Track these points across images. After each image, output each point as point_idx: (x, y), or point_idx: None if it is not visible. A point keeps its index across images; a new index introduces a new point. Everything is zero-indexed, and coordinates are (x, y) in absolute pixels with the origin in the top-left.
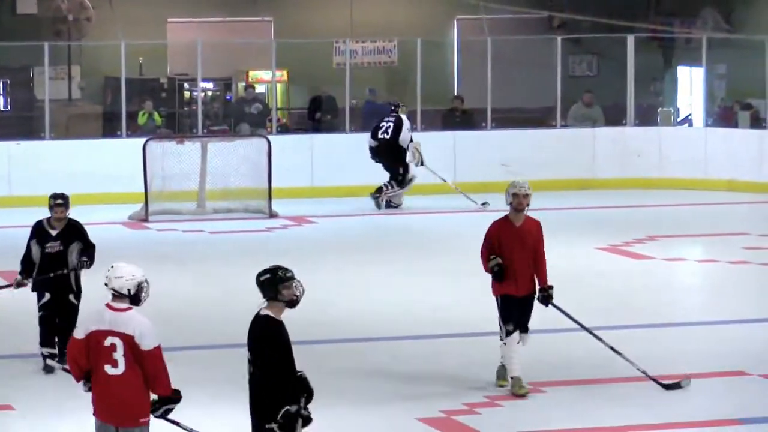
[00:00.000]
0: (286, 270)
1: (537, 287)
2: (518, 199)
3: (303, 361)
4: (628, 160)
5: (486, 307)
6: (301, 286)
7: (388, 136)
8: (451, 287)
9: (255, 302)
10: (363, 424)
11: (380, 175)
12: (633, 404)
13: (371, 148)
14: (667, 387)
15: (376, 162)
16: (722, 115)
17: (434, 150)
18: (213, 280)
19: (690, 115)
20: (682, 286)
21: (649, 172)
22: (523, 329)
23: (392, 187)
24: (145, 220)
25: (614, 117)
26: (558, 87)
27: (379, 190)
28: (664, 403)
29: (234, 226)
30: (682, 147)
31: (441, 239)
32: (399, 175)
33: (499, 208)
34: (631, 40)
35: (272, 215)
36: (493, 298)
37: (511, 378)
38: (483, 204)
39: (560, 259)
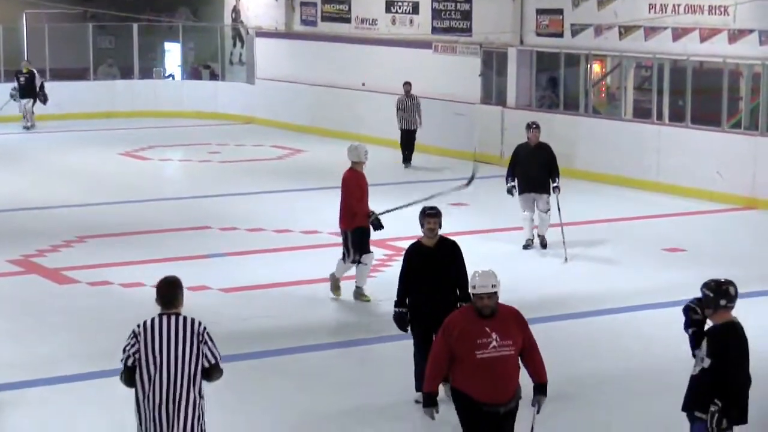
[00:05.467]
0: None
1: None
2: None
3: None
4: (144, 100)
5: None
6: None
7: None
8: None
9: None
10: None
11: None
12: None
13: None
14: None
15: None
16: (193, 72)
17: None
18: None
19: (172, 73)
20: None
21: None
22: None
23: None
24: None
25: (127, 73)
26: (90, 53)
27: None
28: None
29: None
30: (170, 92)
31: None
32: None
33: None
34: (135, 27)
35: None
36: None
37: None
38: None
39: (92, 160)
